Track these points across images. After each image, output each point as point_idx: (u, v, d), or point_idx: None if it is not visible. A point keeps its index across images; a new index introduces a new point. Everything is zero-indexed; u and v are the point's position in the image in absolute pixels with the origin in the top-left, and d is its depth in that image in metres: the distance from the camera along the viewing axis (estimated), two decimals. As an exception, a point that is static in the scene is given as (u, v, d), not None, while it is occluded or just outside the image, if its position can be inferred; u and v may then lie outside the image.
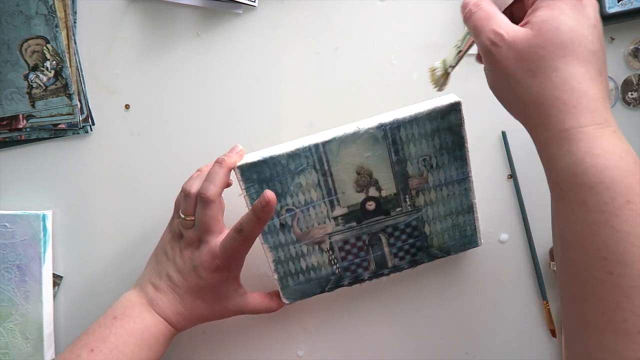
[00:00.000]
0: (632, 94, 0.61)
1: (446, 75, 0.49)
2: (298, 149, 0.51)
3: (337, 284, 0.57)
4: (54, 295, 0.60)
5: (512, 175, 0.61)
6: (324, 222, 0.54)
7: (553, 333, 0.61)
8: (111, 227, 0.60)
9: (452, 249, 0.57)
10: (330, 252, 0.55)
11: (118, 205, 0.60)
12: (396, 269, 0.57)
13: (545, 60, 0.37)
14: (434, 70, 0.49)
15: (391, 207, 0.54)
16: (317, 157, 0.52)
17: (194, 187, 0.51)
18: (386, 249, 0.56)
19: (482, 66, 0.60)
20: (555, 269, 0.60)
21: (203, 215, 0.51)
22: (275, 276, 0.55)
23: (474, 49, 0.46)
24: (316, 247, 0.55)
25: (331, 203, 0.53)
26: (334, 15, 0.60)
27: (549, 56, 0.37)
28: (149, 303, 0.52)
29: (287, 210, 0.53)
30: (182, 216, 0.52)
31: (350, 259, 0.56)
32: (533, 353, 0.62)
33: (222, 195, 0.52)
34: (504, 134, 0.60)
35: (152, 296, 0.52)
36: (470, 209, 0.56)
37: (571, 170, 0.36)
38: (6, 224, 0.57)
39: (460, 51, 0.47)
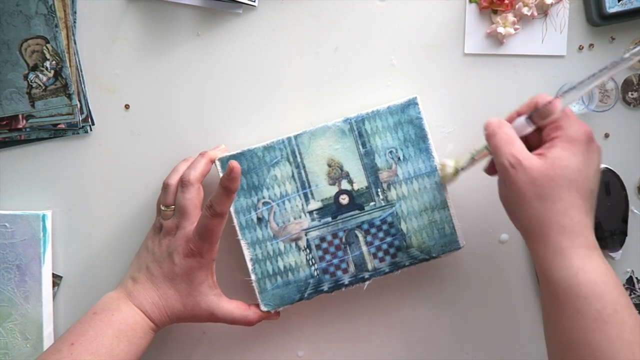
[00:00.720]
0: (632, 94, 0.61)
1: (455, 174, 0.54)
2: (272, 142, 0.56)
3: (317, 290, 0.56)
4: (54, 295, 0.60)
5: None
6: (300, 217, 0.56)
7: (553, 333, 0.61)
8: (111, 227, 0.60)
9: (433, 249, 0.56)
10: (308, 251, 0.56)
11: (118, 205, 0.60)
12: (377, 272, 0.56)
13: (553, 189, 0.44)
14: (444, 166, 0.55)
15: (364, 201, 0.56)
16: (290, 149, 0.55)
17: (173, 179, 0.55)
18: (364, 248, 0.56)
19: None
20: None
21: (182, 199, 0.53)
22: (253, 277, 0.56)
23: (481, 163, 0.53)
24: (293, 244, 0.56)
25: (305, 196, 0.55)
26: (334, 15, 0.60)
27: (557, 187, 0.44)
28: (127, 296, 0.53)
29: (264, 204, 0.55)
30: (163, 208, 0.54)
31: (328, 259, 0.56)
32: (533, 353, 0.62)
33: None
34: (504, 134, 0.60)
35: (130, 289, 0.54)
36: (444, 205, 0.56)
37: (567, 282, 0.43)
38: (6, 224, 0.57)
39: (474, 159, 0.53)
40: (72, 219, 0.60)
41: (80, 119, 0.59)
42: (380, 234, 0.56)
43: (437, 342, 0.61)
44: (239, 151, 0.56)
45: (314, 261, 0.56)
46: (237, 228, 0.56)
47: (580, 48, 0.60)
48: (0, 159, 0.59)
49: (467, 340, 0.62)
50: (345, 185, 0.56)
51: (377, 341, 0.61)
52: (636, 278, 0.62)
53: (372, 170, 0.56)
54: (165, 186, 0.55)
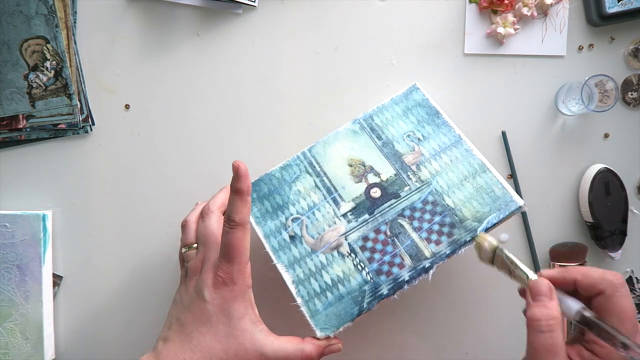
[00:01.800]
0: (632, 94, 0.61)
1: (490, 256, 0.47)
2: (288, 161, 0.54)
3: (375, 295, 0.49)
4: (54, 295, 0.60)
5: (512, 175, 0.61)
6: (334, 223, 0.52)
7: (553, 333, 0.61)
8: (111, 227, 0.60)
9: (489, 215, 0.50)
10: (353, 256, 0.50)
11: (118, 205, 0.60)
12: (438, 257, 0.49)
13: None
14: (483, 241, 0.48)
15: (398, 188, 0.52)
16: (307, 162, 0.54)
17: (191, 216, 0.51)
18: (414, 235, 0.50)
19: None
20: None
21: (203, 228, 0.48)
22: (299, 301, 0.49)
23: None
24: (335, 253, 0.51)
25: (334, 201, 0.52)
26: (334, 15, 0.60)
27: None
28: (155, 358, 0.45)
29: (293, 220, 0.52)
30: (184, 250, 0.49)
31: (378, 258, 0.50)
32: (533, 353, 0.62)
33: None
34: (504, 134, 0.60)
35: (160, 350, 0.45)
36: (483, 168, 0.52)
37: None
38: (6, 224, 0.57)
39: (510, 273, 0.45)
40: (72, 219, 0.60)
41: (81, 119, 0.59)
42: (427, 216, 0.51)
43: (437, 342, 0.61)
44: (256, 178, 0.53)
45: (363, 265, 0.50)
46: (270, 252, 0.51)
47: (580, 48, 0.60)
48: (0, 159, 0.59)
49: (467, 340, 0.62)
50: (372, 179, 0.53)
51: (377, 341, 0.61)
52: (636, 278, 0.62)
53: (395, 158, 0.53)
54: (183, 226, 0.50)
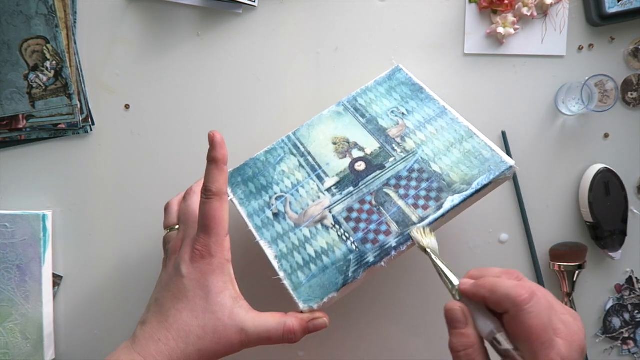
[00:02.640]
0: (632, 94, 0.61)
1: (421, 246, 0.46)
2: (273, 145, 0.55)
3: (361, 263, 0.47)
4: (54, 295, 0.60)
5: (512, 175, 0.61)
6: (318, 198, 0.51)
7: (553, 333, 0.61)
8: (111, 227, 0.60)
9: (479, 177, 0.49)
10: (338, 227, 0.49)
11: (118, 205, 0.60)
12: (426, 221, 0.48)
13: None
14: (416, 237, 0.47)
15: (382, 160, 0.52)
16: (292, 144, 0.55)
17: (172, 200, 0.51)
18: (400, 203, 0.49)
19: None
20: (555, 269, 0.60)
21: (185, 207, 0.47)
22: (282, 275, 0.47)
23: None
24: (319, 226, 0.49)
25: (319, 177, 0.52)
26: (334, 15, 0.60)
27: None
28: (131, 342, 0.43)
29: (277, 199, 0.51)
30: (166, 231, 0.49)
31: (363, 227, 0.49)
32: (533, 353, 0.62)
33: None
34: (504, 134, 0.60)
35: (137, 334, 0.43)
36: (470, 134, 0.51)
37: None
38: (6, 224, 0.57)
39: (440, 276, 0.45)
40: (72, 219, 0.60)
41: (81, 119, 0.59)
42: (413, 183, 0.50)
43: (437, 341, 0.61)
44: (241, 164, 0.54)
45: (347, 235, 0.49)
46: (254, 230, 0.50)
47: (580, 48, 0.60)
48: (0, 159, 0.59)
49: (467, 340, 0.62)
50: (356, 153, 0.53)
51: (377, 341, 0.61)
52: (636, 278, 0.62)
53: (379, 132, 0.53)
54: (165, 208, 0.51)
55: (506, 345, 0.38)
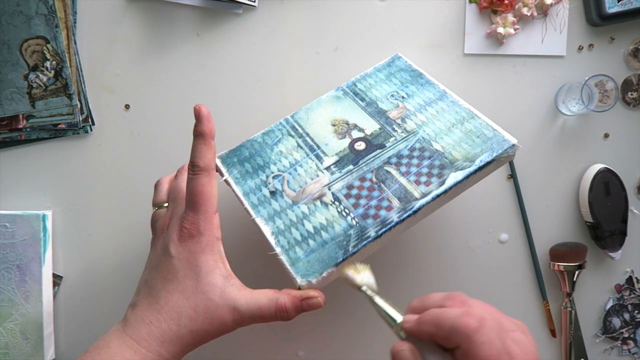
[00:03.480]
0: (632, 94, 0.61)
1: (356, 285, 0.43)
2: (270, 127, 0.54)
3: (362, 237, 0.46)
4: (54, 295, 0.60)
5: (512, 175, 0.61)
6: (317, 176, 0.50)
7: (553, 333, 0.61)
8: (111, 227, 0.60)
9: (482, 154, 0.49)
10: (337, 204, 0.48)
11: (118, 205, 0.60)
12: (428, 196, 0.47)
13: None
14: (346, 275, 0.43)
15: (383, 140, 0.51)
16: (290, 126, 0.54)
17: (163, 178, 0.50)
18: (402, 180, 0.49)
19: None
20: (555, 269, 0.60)
21: (175, 185, 0.46)
22: (278, 250, 0.46)
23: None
24: (318, 202, 0.48)
25: (318, 157, 0.51)
26: (333, 15, 0.60)
27: None
28: (122, 327, 0.42)
29: (274, 177, 0.50)
30: (155, 209, 0.48)
31: (363, 203, 0.48)
32: (533, 353, 0.62)
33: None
34: (504, 134, 0.60)
35: (128, 316, 0.42)
36: (471, 115, 0.52)
37: None
38: (6, 224, 0.57)
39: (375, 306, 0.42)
40: (72, 219, 0.60)
41: (81, 119, 0.59)
42: (415, 161, 0.50)
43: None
44: (237, 145, 0.53)
45: (347, 211, 0.48)
46: (249, 208, 0.49)
47: (580, 48, 0.60)
48: (0, 159, 0.59)
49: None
50: (356, 134, 0.52)
51: (377, 341, 0.61)
52: (636, 278, 0.62)
53: (379, 114, 0.53)
54: (156, 185, 0.50)
55: None
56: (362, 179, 0.49)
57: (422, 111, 0.53)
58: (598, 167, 0.60)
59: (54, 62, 0.57)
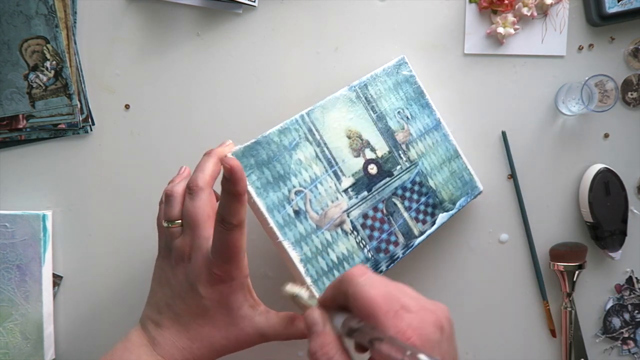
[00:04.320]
0: (632, 94, 0.61)
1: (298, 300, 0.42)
2: (286, 123, 0.51)
3: (376, 272, 0.48)
4: (54, 295, 0.60)
5: (512, 175, 0.61)
6: (337, 199, 0.51)
7: (553, 333, 0.61)
8: (111, 227, 0.60)
9: (460, 198, 0.56)
10: (356, 233, 0.51)
11: (118, 205, 0.60)
12: (423, 234, 0.54)
13: None
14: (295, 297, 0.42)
15: (391, 166, 0.54)
16: (307, 127, 0.52)
17: (178, 187, 0.46)
18: (405, 215, 0.54)
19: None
20: (554, 269, 0.60)
21: (192, 208, 0.44)
22: (309, 281, 0.48)
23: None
24: (339, 230, 0.51)
25: (336, 175, 0.52)
26: (334, 15, 0.60)
27: None
28: (150, 343, 0.44)
29: (297, 193, 0.50)
30: (167, 224, 0.45)
31: (376, 236, 0.52)
32: (533, 353, 0.62)
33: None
34: (504, 134, 0.60)
35: (153, 334, 0.44)
36: (457, 153, 0.57)
37: None
38: (6, 224, 0.57)
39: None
40: (72, 219, 0.60)
41: (81, 119, 0.59)
42: (415, 196, 0.54)
43: (437, 342, 0.61)
44: (253, 140, 0.49)
45: (364, 243, 0.51)
46: (276, 229, 0.48)
47: (580, 48, 0.60)
48: (0, 159, 0.59)
49: (467, 340, 0.62)
50: (369, 154, 0.54)
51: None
52: (636, 278, 0.62)
53: (388, 134, 0.55)
54: (168, 196, 0.46)
55: (356, 325, 0.35)
56: (375, 208, 0.53)
57: (422, 139, 0.56)
58: (598, 167, 0.60)
59: (54, 62, 0.57)
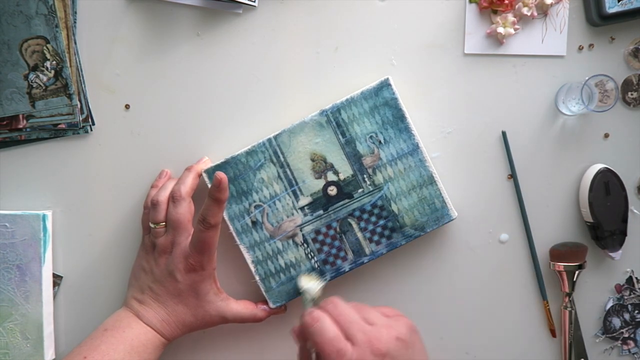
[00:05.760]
0: (632, 94, 0.61)
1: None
2: (254, 146, 0.57)
3: (322, 279, 0.57)
4: (54, 295, 0.60)
5: (512, 175, 0.61)
6: (292, 214, 0.57)
7: (553, 333, 0.61)
8: (111, 227, 0.60)
9: (427, 225, 0.57)
10: (305, 245, 0.57)
11: (118, 205, 0.60)
12: (375, 255, 0.58)
13: None
14: (306, 280, 0.55)
15: (352, 189, 0.57)
16: (272, 150, 0.57)
17: (162, 196, 0.56)
18: (359, 234, 0.57)
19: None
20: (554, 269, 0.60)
21: (175, 214, 0.54)
22: (257, 278, 0.58)
23: None
24: (290, 241, 0.57)
25: (294, 194, 0.57)
26: (334, 15, 0.60)
27: None
28: (136, 315, 0.55)
29: (256, 207, 0.57)
30: (153, 225, 0.55)
31: (326, 250, 0.57)
32: (533, 353, 0.62)
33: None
34: (504, 134, 0.60)
35: (138, 309, 0.55)
36: (431, 180, 0.57)
37: None
38: (6, 224, 0.57)
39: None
40: (72, 219, 0.60)
41: (81, 119, 0.59)
42: (373, 218, 0.57)
43: (437, 342, 0.61)
44: (222, 160, 0.57)
45: (312, 254, 0.58)
46: (234, 234, 0.57)
47: (580, 48, 0.60)
48: (0, 159, 0.59)
49: (467, 340, 0.62)
50: (331, 176, 0.57)
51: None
52: (636, 278, 0.62)
53: (355, 158, 0.57)
54: (155, 203, 0.55)
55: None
56: (329, 226, 0.57)
57: (392, 165, 0.57)
58: (598, 167, 0.60)
59: (54, 62, 0.57)
